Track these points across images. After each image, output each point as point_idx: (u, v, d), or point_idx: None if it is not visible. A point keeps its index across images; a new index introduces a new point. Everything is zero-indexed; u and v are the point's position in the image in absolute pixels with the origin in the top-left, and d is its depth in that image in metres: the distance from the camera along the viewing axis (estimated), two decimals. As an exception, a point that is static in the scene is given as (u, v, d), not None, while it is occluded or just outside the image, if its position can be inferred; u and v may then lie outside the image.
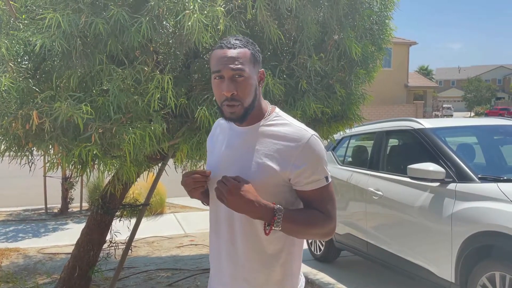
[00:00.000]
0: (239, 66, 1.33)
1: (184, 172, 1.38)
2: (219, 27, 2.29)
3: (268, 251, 1.40)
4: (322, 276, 4.39)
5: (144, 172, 3.09)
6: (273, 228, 1.31)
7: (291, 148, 1.35)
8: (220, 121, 1.59)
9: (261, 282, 1.41)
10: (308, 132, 1.37)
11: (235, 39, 1.38)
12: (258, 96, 1.41)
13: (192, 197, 1.47)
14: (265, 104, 1.46)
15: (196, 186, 1.39)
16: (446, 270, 3.07)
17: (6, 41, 2.23)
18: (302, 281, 1.56)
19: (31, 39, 2.20)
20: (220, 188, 1.31)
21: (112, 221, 3.43)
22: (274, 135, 1.38)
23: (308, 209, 1.40)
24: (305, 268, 4.65)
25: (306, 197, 1.39)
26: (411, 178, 3.40)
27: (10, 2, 2.35)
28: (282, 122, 1.41)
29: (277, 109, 1.47)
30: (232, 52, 1.35)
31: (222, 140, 1.50)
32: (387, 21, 3.21)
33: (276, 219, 1.30)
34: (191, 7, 2.21)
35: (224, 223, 1.43)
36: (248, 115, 1.39)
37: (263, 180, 1.35)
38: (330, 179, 1.40)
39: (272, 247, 1.40)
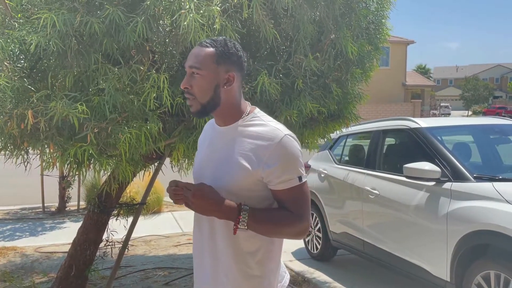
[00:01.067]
0: (195, 64, 1.40)
1: (171, 181, 1.41)
2: (215, 26, 2.28)
3: (244, 248, 1.43)
4: (318, 275, 4.40)
5: (141, 171, 3.09)
6: (238, 227, 1.34)
7: (263, 147, 1.38)
8: (210, 122, 1.63)
9: (238, 278, 1.44)
10: (281, 132, 1.40)
11: (211, 39, 1.44)
12: (224, 96, 1.43)
13: (176, 203, 1.49)
14: (245, 104, 1.49)
15: (176, 198, 1.40)
16: (441, 269, 3.08)
17: (1, 40, 2.22)
18: (286, 278, 1.59)
19: (26, 38, 2.19)
20: (185, 194, 1.36)
21: (108, 220, 3.42)
22: (250, 134, 1.42)
23: (278, 209, 1.42)
24: (301, 267, 4.66)
25: (278, 196, 1.41)
26: (407, 177, 3.41)
27: (6, 1, 2.34)
28: (258, 122, 1.44)
29: (257, 110, 1.50)
30: (195, 50, 1.42)
31: (206, 139, 1.57)
32: (383, 20, 3.22)
33: (241, 218, 1.34)
34: (187, 6, 2.21)
35: (205, 220, 1.47)
36: (208, 112, 1.45)
37: (238, 179, 1.39)
38: (304, 179, 1.41)
39: (249, 245, 1.43)
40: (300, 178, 1.40)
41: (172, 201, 1.42)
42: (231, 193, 1.39)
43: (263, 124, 1.43)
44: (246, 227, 1.35)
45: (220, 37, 1.46)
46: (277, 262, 1.51)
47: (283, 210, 1.41)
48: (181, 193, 1.38)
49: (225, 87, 1.42)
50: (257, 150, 1.38)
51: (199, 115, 1.45)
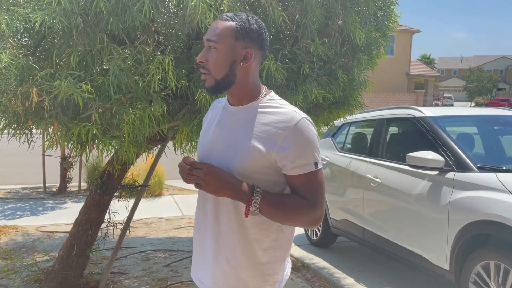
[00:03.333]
0: (213, 37, 1.35)
1: (183, 155, 1.36)
2: (222, 8, 2.25)
3: (251, 234, 1.39)
4: (318, 261, 4.43)
5: (144, 153, 3.08)
6: (251, 208, 1.30)
7: (279, 130, 1.32)
8: (216, 102, 1.59)
9: (241, 264, 1.40)
10: (298, 114, 1.35)
11: (233, 13, 1.39)
12: (240, 74, 1.38)
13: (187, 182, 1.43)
14: (261, 87, 1.44)
15: (188, 177, 1.35)
16: (441, 257, 3.09)
17: (6, 17, 2.20)
18: (288, 268, 1.55)
19: (31, 15, 2.16)
20: (196, 174, 1.31)
21: (110, 201, 3.43)
22: (265, 116, 1.37)
23: (292, 195, 1.37)
24: (301, 253, 4.69)
25: (292, 182, 1.35)
26: (410, 166, 3.41)
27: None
28: (274, 105, 1.39)
29: (273, 93, 1.45)
30: (214, 24, 1.38)
31: (214, 118, 1.51)
32: (392, 7, 3.17)
33: (253, 199, 1.29)
34: (195, -13, 2.18)
35: (211, 203, 1.43)
36: (223, 89, 1.40)
37: (250, 161, 1.34)
38: (320, 166, 1.36)
39: (256, 231, 1.39)
40: (316, 164, 1.34)
41: (173, 183, 1.38)
42: (242, 175, 1.34)
43: (279, 106, 1.38)
44: (258, 210, 1.30)
45: (243, 13, 1.40)
46: (285, 250, 1.47)
47: (297, 196, 1.35)
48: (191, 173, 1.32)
49: (242, 64, 1.37)
50: (272, 133, 1.32)
51: (212, 91, 1.40)
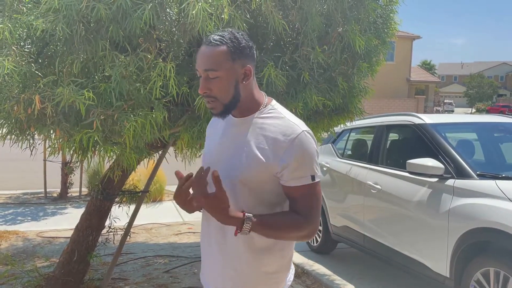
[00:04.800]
0: (211, 66, 1.34)
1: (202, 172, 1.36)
2: (223, 16, 2.28)
3: (257, 244, 1.41)
4: (318, 267, 4.43)
5: (145, 159, 3.10)
6: (238, 233, 1.33)
7: (280, 142, 1.35)
8: None
9: (249, 273, 1.43)
10: (299, 127, 1.37)
11: (218, 35, 1.36)
12: (243, 92, 1.40)
13: (191, 210, 1.45)
14: (262, 96, 1.46)
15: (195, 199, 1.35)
16: (441, 265, 3.09)
17: (9, 25, 2.22)
18: (291, 274, 1.58)
19: (34, 23, 2.18)
20: (199, 199, 1.31)
21: (111, 207, 3.44)
22: (267, 128, 1.39)
23: (285, 213, 1.40)
24: (301, 259, 4.69)
25: (289, 193, 1.39)
26: (410, 173, 3.42)
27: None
28: (276, 115, 1.41)
29: (273, 102, 1.47)
30: (206, 50, 1.35)
31: (219, 129, 1.52)
32: (391, 15, 3.20)
33: (243, 228, 1.32)
34: (196, -5, 2.20)
35: None
36: (231, 111, 1.41)
37: (253, 171, 1.36)
38: (317, 179, 1.38)
39: (262, 241, 1.41)
40: (313, 177, 1.37)
41: (174, 189, 1.38)
42: (245, 184, 1.37)
43: (281, 117, 1.41)
44: (248, 234, 1.33)
45: (226, 31, 1.39)
46: (289, 258, 1.51)
47: (290, 214, 1.39)
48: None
49: (244, 82, 1.39)
50: (274, 144, 1.35)
51: (222, 115, 1.41)
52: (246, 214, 1.32)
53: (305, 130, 1.38)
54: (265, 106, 1.44)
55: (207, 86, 1.36)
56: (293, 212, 1.39)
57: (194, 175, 1.33)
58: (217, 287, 1.49)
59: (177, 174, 1.36)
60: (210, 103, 1.39)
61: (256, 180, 1.37)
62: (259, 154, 1.36)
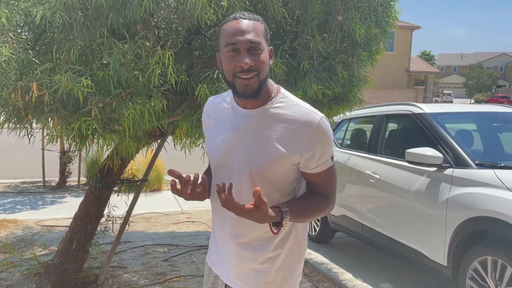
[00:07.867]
0: (256, 38, 1.30)
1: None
2: (222, 3, 2.25)
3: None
4: (316, 256, 4.45)
5: (143, 148, 3.09)
6: (282, 229, 1.31)
7: (301, 132, 1.33)
8: (216, 100, 1.53)
9: (269, 265, 1.44)
10: (317, 114, 1.36)
11: (248, 13, 1.36)
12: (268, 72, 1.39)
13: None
14: (271, 84, 1.42)
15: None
16: (439, 253, 3.11)
17: (6, 11, 2.19)
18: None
19: (31, 10, 2.16)
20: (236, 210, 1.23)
21: (110, 196, 3.44)
22: (283, 118, 1.36)
23: (310, 197, 1.42)
24: (300, 248, 4.70)
25: (312, 179, 1.40)
26: (409, 162, 3.42)
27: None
28: (289, 104, 1.38)
29: (282, 89, 1.44)
30: (250, 24, 1.31)
31: (226, 122, 1.45)
32: (392, 3, 3.17)
33: (283, 225, 1.30)
34: (195, -18, 2.18)
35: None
36: (261, 91, 1.34)
37: (274, 164, 1.35)
38: (334, 158, 1.41)
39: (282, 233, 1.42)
40: (332, 158, 1.40)
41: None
42: (264, 177, 1.36)
43: (295, 105, 1.38)
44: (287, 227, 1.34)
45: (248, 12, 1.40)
46: (304, 246, 1.53)
47: (315, 196, 1.41)
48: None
49: (270, 62, 1.39)
50: (294, 135, 1.33)
51: (255, 94, 1.33)
52: (282, 209, 1.30)
53: (323, 116, 1.37)
54: (276, 95, 1.40)
55: (252, 58, 1.29)
56: (315, 193, 1.42)
57: (216, 192, 1.25)
58: (231, 277, 1.49)
59: (171, 172, 1.27)
60: (248, 80, 1.30)
61: (277, 172, 1.36)
62: (280, 147, 1.34)
